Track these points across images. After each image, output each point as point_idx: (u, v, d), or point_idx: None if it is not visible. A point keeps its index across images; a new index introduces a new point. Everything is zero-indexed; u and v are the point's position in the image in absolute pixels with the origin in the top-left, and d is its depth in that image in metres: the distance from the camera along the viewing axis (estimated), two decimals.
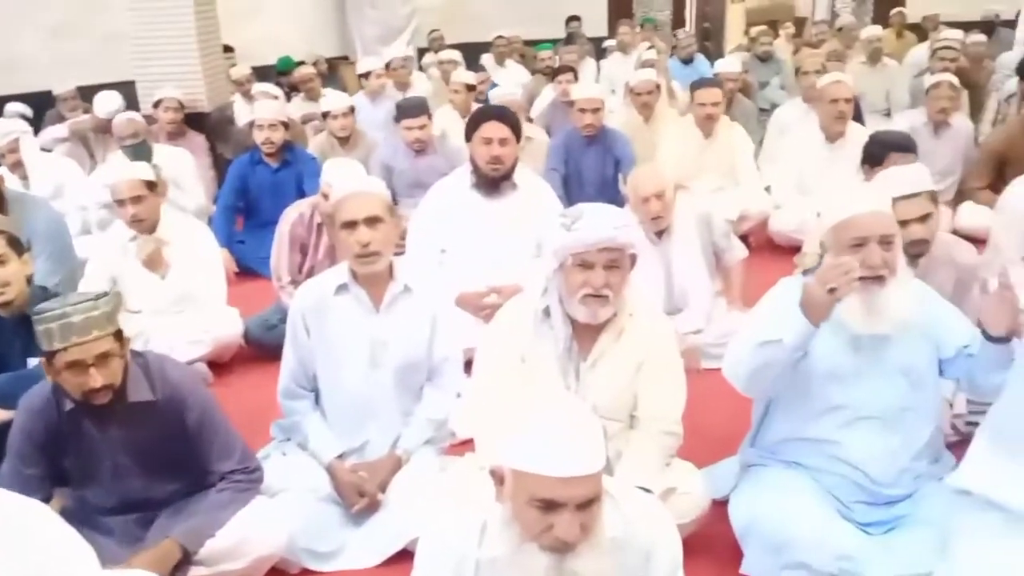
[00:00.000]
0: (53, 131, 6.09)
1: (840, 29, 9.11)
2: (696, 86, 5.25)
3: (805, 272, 2.35)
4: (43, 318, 2.05)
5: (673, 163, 4.76)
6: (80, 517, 2.14)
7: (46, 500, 2.17)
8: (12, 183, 4.36)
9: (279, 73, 8.28)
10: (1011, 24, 9.56)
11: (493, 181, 3.72)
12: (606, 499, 1.55)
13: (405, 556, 2.35)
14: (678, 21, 11.85)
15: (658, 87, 5.66)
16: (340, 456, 2.57)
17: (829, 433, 2.25)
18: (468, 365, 2.62)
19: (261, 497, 2.42)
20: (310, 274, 3.57)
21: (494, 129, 3.66)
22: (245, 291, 4.40)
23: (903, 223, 2.81)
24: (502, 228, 3.70)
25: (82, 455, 2.25)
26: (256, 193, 5.15)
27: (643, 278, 3.35)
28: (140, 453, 2.27)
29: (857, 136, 4.52)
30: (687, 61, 8.34)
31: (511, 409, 1.58)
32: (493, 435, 1.95)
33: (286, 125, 5.23)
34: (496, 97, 5.50)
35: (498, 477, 1.56)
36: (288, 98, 7.44)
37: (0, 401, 2.44)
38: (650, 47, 8.06)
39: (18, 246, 2.64)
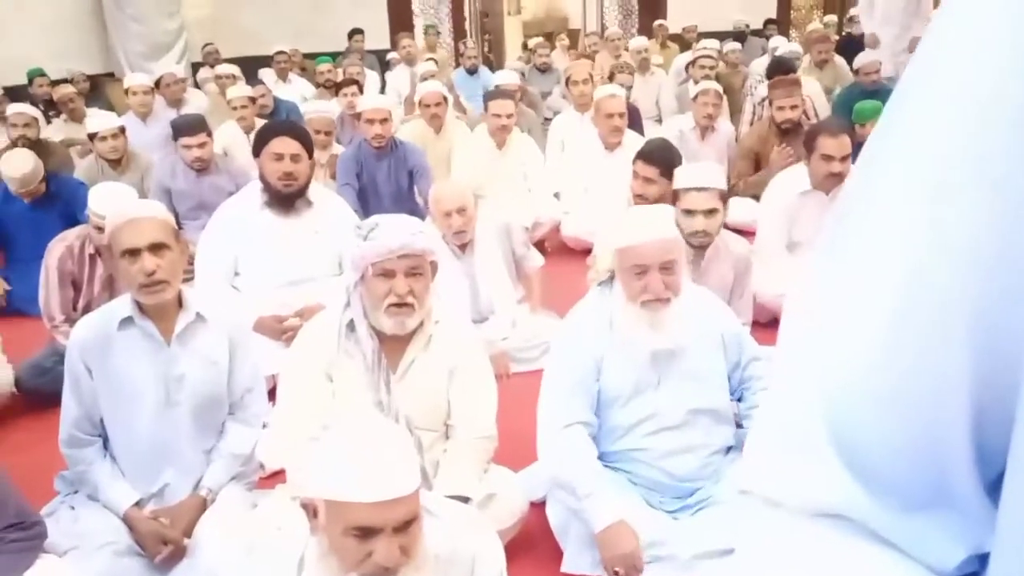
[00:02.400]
0: None
1: (606, 39, 9.62)
2: (490, 97, 5.36)
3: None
4: None
5: (467, 174, 4.83)
6: None
7: None
8: None
9: (30, 84, 7.67)
10: (759, 33, 10.53)
11: (287, 198, 3.59)
12: (425, 516, 1.53)
13: None
14: (459, 33, 12.06)
15: (445, 99, 5.72)
16: (137, 503, 2.38)
17: (637, 443, 2.35)
18: (272, 393, 2.52)
19: (50, 557, 2.17)
20: (87, 310, 3.29)
21: (284, 145, 3.53)
22: (13, 334, 4.00)
23: (690, 212, 3.02)
24: (300, 246, 3.58)
25: None
26: (13, 228, 4.69)
27: (449, 290, 3.39)
28: None
29: (633, 143, 4.79)
30: (472, 72, 8.49)
31: (319, 435, 1.53)
32: (303, 464, 1.88)
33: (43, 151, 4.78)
34: (311, 113, 5.45)
35: (311, 509, 1.50)
36: (48, 119, 6.88)
37: None
38: (429, 58, 8.15)
39: None
